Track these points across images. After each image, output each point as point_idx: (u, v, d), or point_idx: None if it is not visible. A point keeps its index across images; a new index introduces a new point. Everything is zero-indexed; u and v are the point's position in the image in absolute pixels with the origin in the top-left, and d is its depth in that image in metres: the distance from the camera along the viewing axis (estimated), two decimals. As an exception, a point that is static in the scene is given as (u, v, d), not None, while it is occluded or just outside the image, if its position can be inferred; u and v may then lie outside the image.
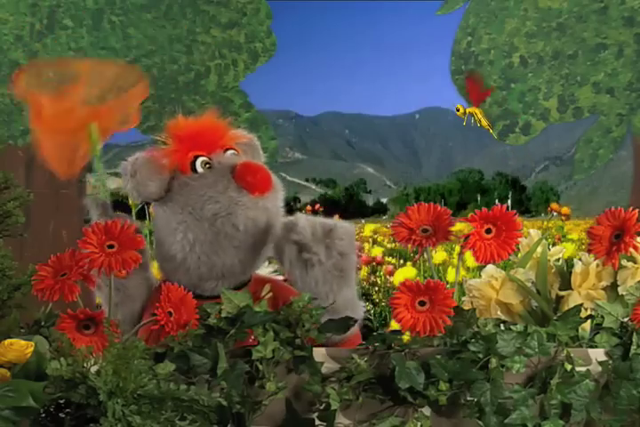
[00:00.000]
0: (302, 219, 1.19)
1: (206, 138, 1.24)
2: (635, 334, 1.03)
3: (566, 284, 1.20)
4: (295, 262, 1.19)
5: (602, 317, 1.09)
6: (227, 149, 1.25)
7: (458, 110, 3.03)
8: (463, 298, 1.23)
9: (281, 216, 1.25)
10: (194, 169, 1.22)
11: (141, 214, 3.06)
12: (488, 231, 1.04)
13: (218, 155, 1.24)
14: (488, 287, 1.20)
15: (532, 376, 1.01)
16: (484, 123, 3.08)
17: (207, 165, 1.22)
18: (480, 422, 0.98)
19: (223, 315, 1.02)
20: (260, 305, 1.03)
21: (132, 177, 1.23)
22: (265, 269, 1.42)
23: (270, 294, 1.15)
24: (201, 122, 1.25)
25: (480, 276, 1.23)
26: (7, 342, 0.89)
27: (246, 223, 1.19)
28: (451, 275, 3.08)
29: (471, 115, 3.08)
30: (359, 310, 1.23)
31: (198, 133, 1.23)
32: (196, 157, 1.22)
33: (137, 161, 1.23)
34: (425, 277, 3.10)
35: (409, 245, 1.07)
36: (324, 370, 1.00)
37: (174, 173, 1.23)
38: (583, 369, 1.01)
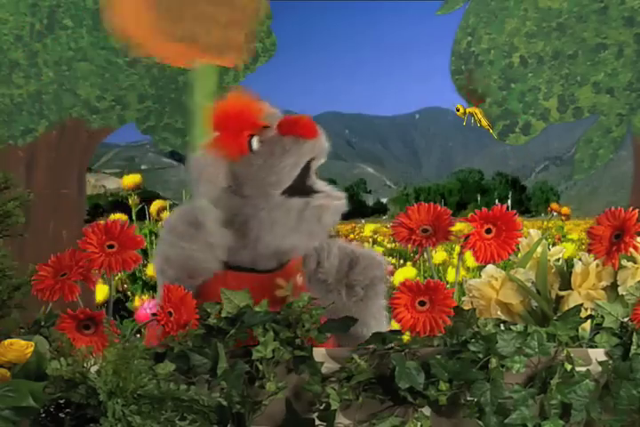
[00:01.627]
0: (333, 251, 1.17)
1: (249, 116, 1.19)
2: (635, 334, 1.03)
3: (566, 284, 1.20)
4: (321, 292, 1.19)
5: (602, 317, 1.09)
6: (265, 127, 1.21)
7: (458, 110, 3.03)
8: (463, 298, 1.23)
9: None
10: (250, 149, 1.18)
11: (141, 214, 3.07)
12: (488, 231, 1.04)
13: (262, 131, 1.19)
14: (488, 287, 1.20)
15: (532, 376, 1.01)
16: (484, 123, 3.08)
17: (261, 143, 1.19)
18: (480, 422, 0.98)
19: (223, 315, 1.02)
20: (261, 305, 1.03)
21: (201, 178, 1.18)
22: None
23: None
24: (238, 101, 1.20)
25: (480, 276, 1.23)
26: (7, 342, 0.89)
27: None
28: (451, 275, 3.08)
29: (471, 115, 3.08)
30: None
31: (241, 113, 1.19)
32: (251, 137, 1.18)
33: (199, 162, 1.19)
34: (425, 277, 3.09)
35: (409, 245, 1.07)
36: (323, 370, 1.00)
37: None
38: (583, 369, 1.01)
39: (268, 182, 1.16)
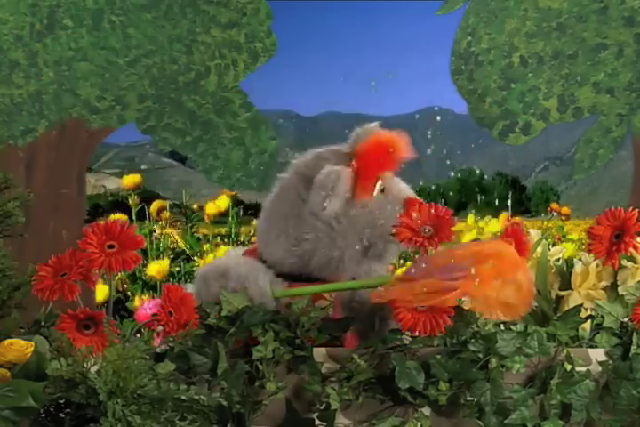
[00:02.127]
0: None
1: (389, 159, 1.17)
2: (635, 334, 1.03)
3: (566, 284, 1.20)
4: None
5: (602, 317, 1.09)
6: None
7: None
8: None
9: None
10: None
11: (141, 214, 3.07)
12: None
13: (385, 177, 1.18)
14: (488, 287, 1.19)
15: (532, 376, 1.01)
16: None
17: (383, 190, 1.17)
18: (480, 423, 0.98)
19: (223, 314, 1.02)
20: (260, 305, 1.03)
21: (333, 190, 1.14)
22: None
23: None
24: (386, 139, 1.17)
25: (480, 276, 1.23)
26: (7, 342, 0.89)
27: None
28: (451, 275, 3.06)
29: None
30: None
31: (384, 153, 1.16)
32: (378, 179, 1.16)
33: (337, 176, 1.15)
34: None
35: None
36: (323, 370, 1.00)
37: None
38: (583, 369, 1.01)
39: (364, 227, 1.15)
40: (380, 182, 1.17)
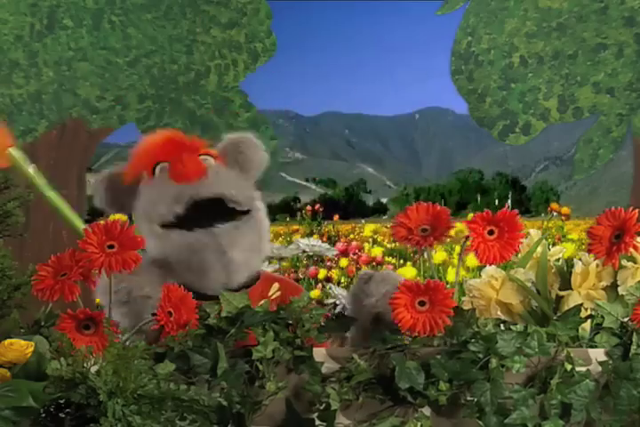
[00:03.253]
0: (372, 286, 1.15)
1: (174, 146, 1.23)
2: (635, 334, 1.03)
3: (566, 284, 1.20)
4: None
5: (602, 317, 1.09)
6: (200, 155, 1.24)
7: None
8: (463, 298, 1.23)
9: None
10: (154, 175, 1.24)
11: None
12: (490, 233, 1.04)
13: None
14: (488, 287, 1.20)
15: (532, 376, 1.01)
16: None
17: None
18: (480, 422, 0.98)
19: (223, 315, 1.02)
20: (261, 305, 1.03)
21: (94, 194, 1.29)
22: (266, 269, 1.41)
23: (278, 293, 1.15)
24: (163, 135, 1.26)
25: (480, 276, 1.23)
26: (7, 342, 0.89)
27: (191, 253, 1.18)
28: (451, 275, 3.07)
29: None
30: None
31: (165, 143, 1.24)
32: (157, 164, 1.23)
33: (97, 179, 1.28)
34: (425, 277, 3.09)
35: (408, 245, 1.07)
36: (324, 370, 1.00)
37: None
38: (583, 369, 1.01)
39: (145, 211, 1.25)
40: (160, 166, 1.24)
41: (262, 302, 1.04)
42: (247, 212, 1.21)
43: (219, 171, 1.22)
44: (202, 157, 1.24)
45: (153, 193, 1.21)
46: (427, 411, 1.00)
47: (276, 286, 1.15)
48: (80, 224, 1.27)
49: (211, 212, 1.18)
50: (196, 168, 1.18)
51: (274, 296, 1.09)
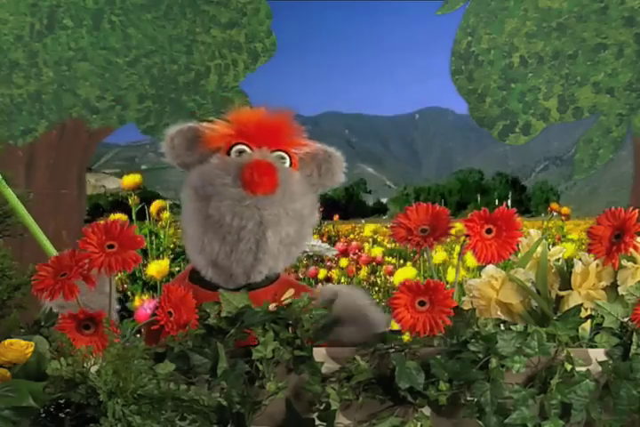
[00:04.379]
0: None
1: (260, 131, 1.20)
2: (635, 334, 1.03)
3: (566, 284, 1.20)
4: None
5: (602, 317, 1.09)
6: (277, 150, 1.21)
7: None
8: (463, 298, 1.23)
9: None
10: (229, 154, 1.20)
11: (141, 214, 3.07)
12: (488, 232, 1.04)
13: (262, 151, 1.20)
14: (488, 287, 1.20)
15: (532, 376, 1.01)
16: None
17: (241, 154, 1.20)
18: (480, 422, 0.98)
19: (223, 315, 1.02)
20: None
21: (171, 140, 1.23)
22: None
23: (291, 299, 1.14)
24: (267, 116, 1.22)
25: (480, 276, 1.23)
26: (7, 342, 0.89)
27: (234, 216, 1.15)
28: (451, 275, 3.07)
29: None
30: None
31: (255, 124, 1.21)
32: (236, 144, 1.20)
33: (182, 127, 1.24)
34: (425, 277, 3.09)
35: (408, 245, 1.07)
36: (324, 370, 1.00)
37: (215, 151, 1.21)
38: (583, 369, 1.01)
39: (198, 181, 1.21)
40: (237, 147, 1.21)
41: (272, 305, 1.04)
42: None
43: (288, 186, 1.19)
44: (280, 153, 1.21)
45: (218, 177, 1.17)
46: (427, 411, 1.00)
47: (291, 291, 1.13)
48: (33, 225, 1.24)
49: None
50: (269, 184, 1.15)
51: (286, 302, 1.08)
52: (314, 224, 1.26)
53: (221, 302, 1.04)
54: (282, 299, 1.08)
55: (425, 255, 1.10)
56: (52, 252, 1.24)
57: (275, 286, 1.22)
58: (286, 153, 1.22)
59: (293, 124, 1.23)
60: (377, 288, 4.01)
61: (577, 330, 1.05)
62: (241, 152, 1.20)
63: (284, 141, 1.22)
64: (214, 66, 3.62)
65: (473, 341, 0.99)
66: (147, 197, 3.20)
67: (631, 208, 1.07)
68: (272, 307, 1.04)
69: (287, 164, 1.22)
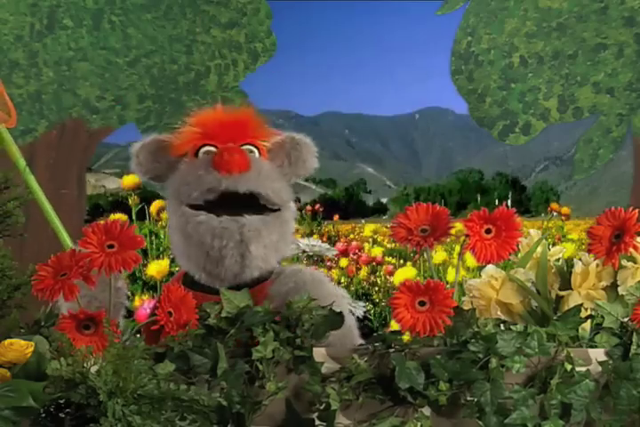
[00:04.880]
0: None
1: (223, 128, 1.21)
2: (635, 334, 1.03)
3: (566, 284, 1.20)
4: None
5: (602, 317, 1.09)
6: (243, 144, 1.22)
7: None
8: (463, 298, 1.23)
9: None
10: (197, 157, 1.21)
11: (141, 214, 3.07)
12: (488, 232, 1.04)
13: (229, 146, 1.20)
14: (488, 287, 1.20)
15: (532, 376, 1.01)
16: None
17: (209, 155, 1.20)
18: (480, 423, 0.98)
19: (223, 315, 1.02)
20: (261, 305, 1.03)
21: (136, 156, 1.24)
22: None
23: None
24: (227, 113, 1.23)
25: (480, 276, 1.23)
26: (7, 342, 0.89)
27: (214, 237, 1.16)
28: (451, 275, 3.07)
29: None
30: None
31: (217, 123, 1.22)
32: (203, 146, 1.21)
33: (145, 141, 1.24)
34: (425, 277, 3.09)
35: (408, 245, 1.07)
36: (324, 370, 1.00)
37: (183, 158, 1.22)
38: (583, 369, 1.01)
39: (174, 188, 1.22)
40: (205, 149, 1.23)
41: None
42: (277, 210, 1.21)
43: (262, 167, 1.20)
44: (247, 147, 1.22)
45: (190, 175, 1.19)
46: (427, 411, 1.00)
47: None
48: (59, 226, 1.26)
49: (241, 202, 1.17)
50: (241, 161, 1.16)
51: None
52: (294, 215, 1.26)
53: (222, 301, 1.04)
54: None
55: (425, 255, 1.10)
56: (69, 243, 1.25)
57: (271, 281, 1.22)
58: (254, 146, 1.23)
59: (255, 117, 1.24)
60: (377, 288, 4.01)
61: (577, 330, 1.05)
62: (209, 153, 1.21)
63: (248, 135, 1.23)
64: (214, 66, 3.62)
65: (473, 341, 0.99)
66: (147, 197, 3.20)
67: (631, 208, 1.07)
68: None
69: (256, 155, 1.23)
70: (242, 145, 1.21)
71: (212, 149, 1.21)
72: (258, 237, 1.17)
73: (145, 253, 2.91)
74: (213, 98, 3.59)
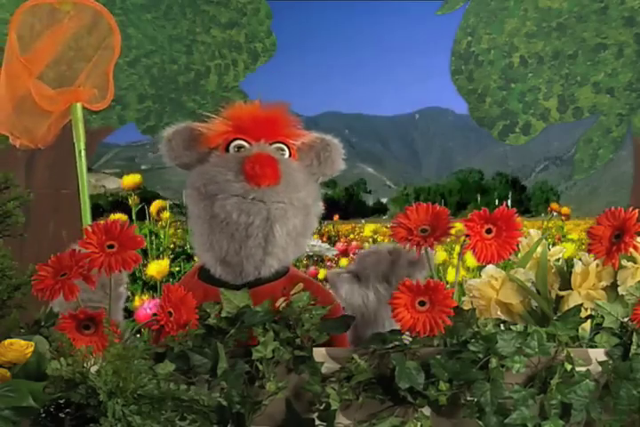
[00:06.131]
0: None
1: (256, 125, 1.21)
2: (635, 334, 1.03)
3: (566, 284, 1.20)
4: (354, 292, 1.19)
5: (602, 317, 1.09)
6: (275, 142, 1.22)
7: None
8: (463, 298, 1.23)
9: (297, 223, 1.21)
10: (227, 150, 1.21)
11: (141, 214, 3.07)
12: (488, 231, 1.04)
13: (260, 144, 1.20)
14: (488, 287, 1.20)
15: (532, 376, 1.01)
16: None
17: (240, 150, 1.20)
18: (480, 423, 0.98)
19: (223, 315, 1.02)
20: (261, 305, 1.03)
21: (169, 140, 1.24)
22: None
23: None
24: (262, 110, 1.23)
25: (480, 276, 1.23)
26: (7, 342, 0.89)
27: (241, 213, 1.16)
28: (451, 275, 3.07)
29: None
30: None
31: (251, 119, 1.21)
32: (234, 140, 1.21)
33: (179, 127, 1.24)
34: (425, 277, 3.08)
35: (408, 245, 1.07)
36: (324, 370, 1.00)
37: (213, 149, 1.22)
38: (583, 369, 1.01)
39: (198, 181, 1.22)
40: (235, 143, 1.23)
41: (280, 300, 1.04)
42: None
43: (290, 175, 1.19)
44: (278, 145, 1.22)
45: (219, 175, 1.18)
46: (427, 411, 1.00)
47: (300, 285, 1.14)
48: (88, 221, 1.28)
49: None
50: (272, 175, 1.16)
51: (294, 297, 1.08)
52: (318, 214, 1.27)
53: (222, 301, 1.04)
54: (291, 293, 1.08)
55: (427, 255, 1.10)
56: (88, 220, 1.31)
57: (284, 279, 1.22)
58: (285, 144, 1.23)
59: (289, 116, 1.24)
60: (377, 288, 4.00)
61: (577, 330, 1.05)
62: (239, 147, 1.21)
63: (281, 133, 1.23)
64: (214, 66, 3.62)
65: (473, 341, 0.99)
66: (147, 197, 3.20)
67: (631, 208, 1.07)
68: (281, 301, 1.04)
69: (286, 155, 1.23)
70: (273, 143, 1.21)
71: (244, 143, 1.21)
72: (284, 217, 1.17)
73: (145, 253, 2.92)
74: (213, 98, 3.60)
